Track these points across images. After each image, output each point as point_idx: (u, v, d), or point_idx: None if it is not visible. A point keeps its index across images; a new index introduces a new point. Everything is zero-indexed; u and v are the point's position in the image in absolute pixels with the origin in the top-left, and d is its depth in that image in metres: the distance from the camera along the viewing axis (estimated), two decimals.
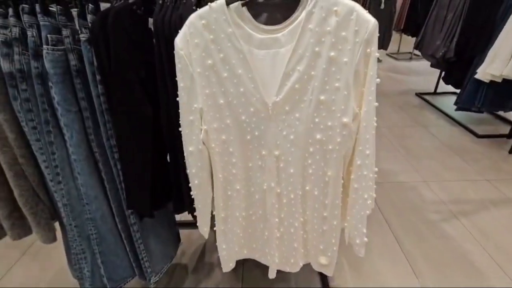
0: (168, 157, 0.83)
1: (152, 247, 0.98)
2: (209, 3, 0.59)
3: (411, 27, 3.29)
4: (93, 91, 0.73)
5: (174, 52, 0.62)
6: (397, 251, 1.30)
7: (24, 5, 0.66)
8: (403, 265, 1.24)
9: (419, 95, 3.08)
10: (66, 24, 0.68)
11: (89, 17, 0.68)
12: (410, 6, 3.39)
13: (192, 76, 0.63)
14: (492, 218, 1.48)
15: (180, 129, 0.71)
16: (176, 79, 0.65)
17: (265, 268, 0.85)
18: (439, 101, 2.91)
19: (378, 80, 0.61)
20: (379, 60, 4.05)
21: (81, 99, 0.74)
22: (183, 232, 1.30)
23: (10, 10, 0.67)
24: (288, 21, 0.60)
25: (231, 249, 0.84)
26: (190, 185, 0.77)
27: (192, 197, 0.78)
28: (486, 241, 1.34)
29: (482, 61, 1.89)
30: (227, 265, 0.86)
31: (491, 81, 1.87)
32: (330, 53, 0.58)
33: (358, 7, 0.56)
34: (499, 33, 1.81)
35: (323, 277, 1.18)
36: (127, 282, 1.00)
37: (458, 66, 2.20)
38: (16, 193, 0.81)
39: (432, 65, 2.52)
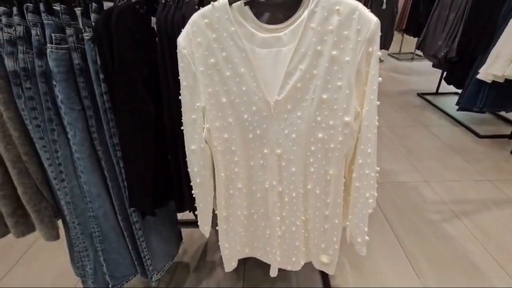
0: (169, 156, 0.84)
1: (154, 245, 0.98)
2: (211, 2, 0.59)
3: (413, 27, 3.29)
4: (96, 89, 0.73)
5: (177, 51, 0.63)
6: (398, 251, 1.30)
7: (28, 4, 0.67)
8: (404, 265, 1.24)
9: (421, 95, 3.07)
10: (69, 23, 0.69)
11: (93, 16, 0.69)
12: (412, 6, 3.38)
13: (195, 75, 0.64)
14: (493, 218, 1.48)
15: (182, 127, 0.71)
16: (179, 78, 0.66)
17: (266, 267, 0.85)
18: (440, 101, 2.91)
19: (380, 79, 0.61)
20: (380, 60, 4.04)
21: (85, 97, 0.74)
22: (185, 231, 1.31)
23: (15, 9, 0.68)
24: (290, 20, 0.60)
25: (233, 248, 0.84)
26: (191, 183, 0.77)
27: (194, 195, 0.79)
28: (488, 241, 1.34)
29: (484, 61, 1.88)
30: (229, 264, 0.86)
31: (493, 81, 1.87)
32: (332, 52, 0.58)
33: (360, 6, 0.56)
34: (501, 33, 1.80)
35: (324, 276, 1.18)
36: (129, 280, 1.01)
37: (460, 66, 2.19)
38: (19, 190, 0.82)
39: (434, 65, 2.51)
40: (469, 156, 2.01)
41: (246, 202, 0.78)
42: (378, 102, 0.63)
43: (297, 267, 0.84)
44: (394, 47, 4.15)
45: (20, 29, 0.68)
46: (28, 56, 0.69)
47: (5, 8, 0.68)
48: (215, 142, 0.70)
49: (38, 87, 0.71)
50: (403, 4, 3.71)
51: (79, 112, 0.75)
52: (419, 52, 3.24)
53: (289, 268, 0.85)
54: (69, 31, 0.68)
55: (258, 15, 0.63)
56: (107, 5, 0.72)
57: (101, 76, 0.72)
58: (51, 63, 0.68)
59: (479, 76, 1.92)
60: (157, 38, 0.71)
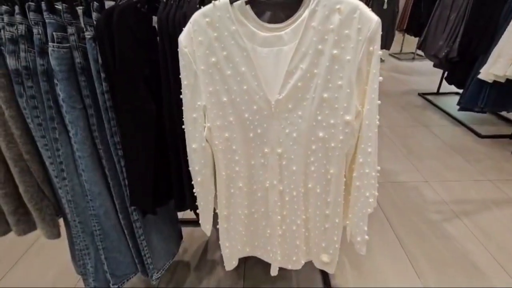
0: (170, 155, 0.84)
1: (155, 244, 0.99)
2: (213, 1, 0.59)
3: (414, 27, 3.29)
4: (97, 88, 0.73)
5: (178, 49, 0.63)
6: (398, 251, 1.31)
7: (30, 3, 0.67)
8: (404, 265, 1.24)
9: (422, 95, 3.07)
10: (71, 22, 0.69)
11: (94, 15, 0.69)
12: (413, 6, 3.38)
13: (196, 74, 0.64)
14: (494, 218, 1.47)
15: (183, 126, 0.71)
16: (180, 76, 0.66)
17: (266, 266, 0.85)
18: (441, 101, 2.91)
19: (380, 78, 0.61)
20: (381, 60, 4.04)
21: (86, 96, 0.74)
22: (186, 230, 1.31)
23: (17, 8, 0.68)
24: (291, 20, 0.61)
25: (234, 247, 0.84)
26: (192, 182, 0.77)
27: (195, 194, 0.79)
28: (488, 241, 1.34)
29: (485, 61, 1.88)
30: (230, 263, 0.87)
31: (494, 81, 1.87)
32: (333, 51, 0.58)
33: (361, 5, 0.56)
34: (502, 33, 1.80)
35: (325, 276, 1.18)
36: (129, 279, 1.01)
37: (461, 66, 2.19)
38: (21, 189, 0.82)
39: (435, 65, 2.51)
40: (469, 156, 2.01)
41: (246, 201, 0.78)
42: (379, 101, 0.63)
43: (298, 266, 0.84)
44: (395, 47, 4.14)
45: (22, 28, 0.68)
46: (30, 55, 0.70)
47: (7, 7, 0.69)
48: (216, 141, 0.70)
49: (40, 85, 0.71)
50: (404, 4, 3.70)
51: (81, 111, 0.75)
52: (420, 52, 3.23)
53: (289, 267, 0.85)
54: (70, 30, 0.69)
55: (259, 14, 0.63)
56: (108, 4, 0.72)
57: (102, 75, 0.72)
58: (52, 62, 0.68)
59: (480, 76, 1.92)
60: (158, 37, 0.71)
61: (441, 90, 3.04)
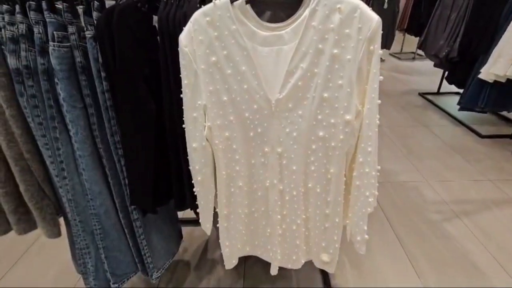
0: (170, 154, 0.84)
1: (155, 243, 0.99)
2: (213, 0, 0.59)
3: (414, 26, 3.28)
4: (98, 87, 0.73)
5: (179, 49, 0.63)
6: (398, 250, 1.31)
7: (31, 2, 0.67)
8: (404, 264, 1.24)
9: (422, 95, 3.07)
10: (72, 21, 0.69)
11: (95, 14, 0.69)
12: (414, 5, 3.38)
13: (196, 73, 0.64)
14: (494, 218, 1.47)
15: (183, 126, 0.71)
16: (180, 76, 0.66)
17: (267, 265, 0.85)
18: (442, 101, 2.91)
19: (381, 77, 0.61)
20: (382, 60, 4.04)
21: (86, 95, 0.75)
22: (186, 229, 1.31)
23: (17, 7, 0.68)
24: (291, 19, 0.61)
25: (234, 246, 0.84)
26: (193, 181, 0.77)
27: (195, 193, 0.79)
28: (488, 241, 1.34)
29: (486, 61, 1.88)
30: (230, 262, 0.87)
31: (495, 81, 1.87)
32: (333, 51, 0.58)
33: (362, 4, 0.56)
34: (503, 33, 1.80)
35: (325, 275, 1.18)
36: (130, 278, 1.01)
37: (461, 66, 2.19)
38: (21, 188, 0.82)
39: (435, 65, 2.51)
40: (470, 156, 2.01)
41: (246, 200, 0.78)
42: (379, 101, 0.63)
43: (298, 266, 0.84)
44: (395, 47, 4.14)
45: (22, 27, 0.68)
46: (31, 54, 0.70)
47: (8, 6, 0.69)
48: (216, 140, 0.70)
49: (40, 84, 0.71)
50: (405, 3, 3.70)
51: (81, 110, 0.75)
52: (420, 52, 3.23)
53: (289, 266, 0.85)
54: (71, 29, 0.69)
55: (259, 13, 0.63)
56: (109, 3, 0.72)
57: (103, 74, 0.72)
58: (53, 61, 0.68)
59: (480, 76, 1.92)
60: (158, 37, 0.71)
61: (441, 90, 3.04)
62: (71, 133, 0.76)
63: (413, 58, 4.49)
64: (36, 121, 0.75)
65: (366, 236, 0.75)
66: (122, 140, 0.79)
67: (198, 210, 0.83)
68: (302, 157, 0.69)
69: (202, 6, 0.61)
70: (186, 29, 0.62)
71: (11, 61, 0.70)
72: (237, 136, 0.70)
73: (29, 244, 1.39)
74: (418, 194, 1.66)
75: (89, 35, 0.69)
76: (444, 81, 2.58)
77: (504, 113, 2.53)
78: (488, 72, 1.86)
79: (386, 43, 3.63)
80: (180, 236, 1.16)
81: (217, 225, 0.83)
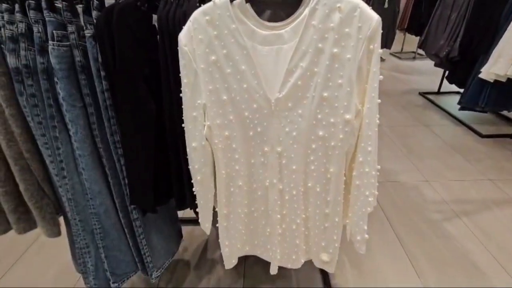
0: (170, 154, 0.84)
1: (154, 243, 0.99)
2: None
3: (415, 26, 3.28)
4: (97, 87, 0.73)
5: (178, 48, 0.63)
6: (398, 250, 1.30)
7: (30, 1, 0.67)
8: (404, 264, 1.24)
9: (423, 94, 3.07)
10: (71, 20, 0.69)
11: (94, 13, 0.69)
12: (414, 5, 3.38)
13: (196, 72, 0.64)
14: (494, 218, 1.47)
15: (183, 125, 0.71)
16: (180, 75, 0.66)
17: (266, 265, 0.85)
18: (442, 100, 2.90)
19: (381, 77, 0.61)
20: (382, 59, 4.03)
21: (86, 95, 0.74)
22: (186, 229, 1.31)
23: (17, 6, 0.68)
24: (291, 18, 0.61)
25: (234, 245, 0.84)
26: (192, 181, 0.77)
27: (194, 193, 0.79)
28: (488, 241, 1.34)
29: (486, 61, 1.88)
30: (230, 262, 0.87)
31: (495, 81, 1.86)
32: (333, 50, 0.58)
33: (362, 3, 0.56)
34: (503, 33, 1.80)
35: (324, 275, 1.18)
36: (129, 277, 1.01)
37: (462, 66, 2.19)
38: (21, 187, 0.82)
39: (435, 65, 2.51)
40: (470, 155, 2.01)
41: (246, 200, 0.78)
42: (379, 100, 0.63)
43: (297, 265, 0.84)
44: (396, 46, 4.13)
45: (22, 26, 0.68)
46: (30, 53, 0.70)
47: (7, 5, 0.69)
48: (215, 139, 0.70)
49: (40, 84, 0.71)
50: (405, 3, 3.70)
51: (81, 109, 0.75)
52: (421, 51, 3.24)
53: (289, 266, 0.85)
54: (70, 28, 0.69)
55: (259, 12, 0.63)
56: (108, 2, 0.72)
57: (102, 73, 0.72)
58: (52, 60, 0.68)
59: (481, 76, 1.91)
60: (158, 36, 0.71)
61: (442, 90, 3.04)
62: (70, 133, 0.76)
63: (414, 58, 4.48)
64: (36, 120, 0.75)
65: (366, 236, 0.75)
66: (122, 140, 0.79)
67: (197, 210, 0.83)
68: (302, 156, 0.69)
69: (202, 5, 0.61)
70: (185, 28, 0.62)
71: (11, 60, 0.69)
72: (236, 136, 0.70)
73: (29, 243, 1.39)
74: (418, 193, 1.66)
75: (89, 34, 0.69)
76: (445, 81, 2.58)
77: (505, 112, 2.53)
78: (489, 72, 1.85)
79: (387, 42, 3.63)
80: (180, 236, 1.16)
81: (217, 225, 0.83)
